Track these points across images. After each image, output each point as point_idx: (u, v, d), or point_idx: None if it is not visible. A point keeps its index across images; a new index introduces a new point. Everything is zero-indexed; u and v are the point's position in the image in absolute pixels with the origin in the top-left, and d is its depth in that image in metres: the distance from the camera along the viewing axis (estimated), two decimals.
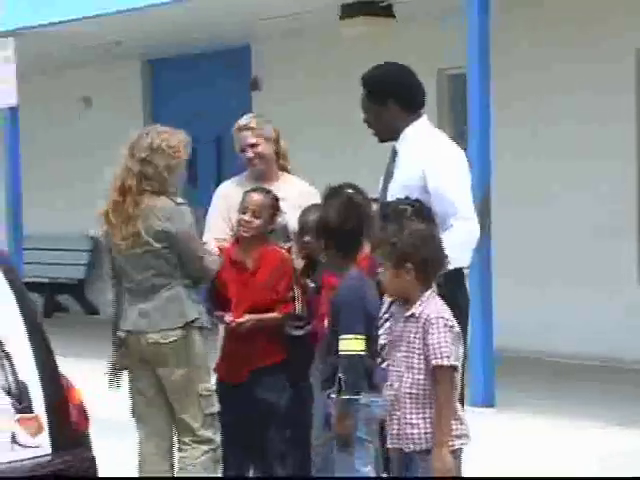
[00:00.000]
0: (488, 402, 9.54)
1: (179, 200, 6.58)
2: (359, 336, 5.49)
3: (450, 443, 5.02)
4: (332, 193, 5.86)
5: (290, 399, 6.74)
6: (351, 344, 5.50)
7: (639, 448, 8.46)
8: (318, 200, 6.82)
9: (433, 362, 4.97)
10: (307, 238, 6.64)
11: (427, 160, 5.86)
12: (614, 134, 11.93)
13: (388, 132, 5.99)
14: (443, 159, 5.93)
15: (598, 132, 11.97)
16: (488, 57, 9.97)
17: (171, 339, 6.52)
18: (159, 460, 6.75)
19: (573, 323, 11.93)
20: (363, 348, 5.49)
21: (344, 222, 5.58)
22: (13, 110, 14.17)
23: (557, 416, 9.43)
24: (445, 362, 4.96)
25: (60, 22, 13.65)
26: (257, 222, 6.71)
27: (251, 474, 6.94)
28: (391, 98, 6.00)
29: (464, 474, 5.30)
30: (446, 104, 12.90)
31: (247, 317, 6.67)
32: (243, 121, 7.19)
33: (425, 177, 5.79)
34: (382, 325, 5.54)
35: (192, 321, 6.54)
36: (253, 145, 7.12)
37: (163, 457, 6.75)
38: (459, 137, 6.32)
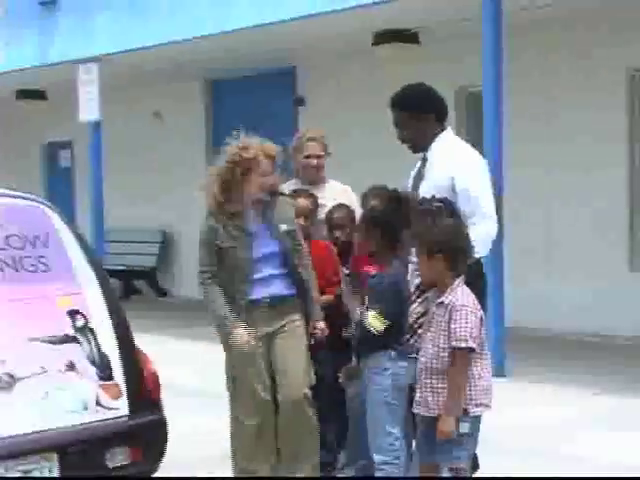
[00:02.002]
0: (499, 373, 9.48)
1: None
2: (383, 319, 5.46)
3: (471, 409, 5.04)
4: (378, 192, 5.85)
5: (333, 368, 6.69)
6: (374, 321, 5.47)
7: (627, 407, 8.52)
8: (351, 196, 6.85)
9: (453, 344, 4.98)
10: (338, 233, 6.66)
11: (456, 165, 5.85)
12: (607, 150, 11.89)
13: (424, 143, 5.96)
14: (470, 165, 5.92)
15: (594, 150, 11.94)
16: (501, 77, 9.91)
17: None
18: None
19: (574, 304, 11.88)
20: (380, 329, 5.47)
21: (393, 216, 5.52)
22: (96, 123, 14.21)
23: (560, 384, 9.39)
24: (462, 344, 4.96)
25: (136, 49, 13.71)
26: (304, 223, 6.71)
27: None
28: (431, 113, 5.99)
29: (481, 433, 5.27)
30: (464, 118, 12.83)
31: None
32: (313, 134, 7.19)
33: (454, 180, 5.77)
34: (410, 306, 5.53)
35: None
36: (319, 156, 7.15)
37: None
38: (475, 147, 6.28)
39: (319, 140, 7.17)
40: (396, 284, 5.48)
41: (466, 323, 4.98)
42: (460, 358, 4.98)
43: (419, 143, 5.97)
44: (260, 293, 6.20)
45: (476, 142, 6.53)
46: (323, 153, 7.15)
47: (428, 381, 5.08)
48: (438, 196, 5.54)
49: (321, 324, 6.30)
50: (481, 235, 5.72)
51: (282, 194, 6.31)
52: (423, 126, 5.94)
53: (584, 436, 7.67)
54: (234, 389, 6.31)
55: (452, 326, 4.98)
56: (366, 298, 5.69)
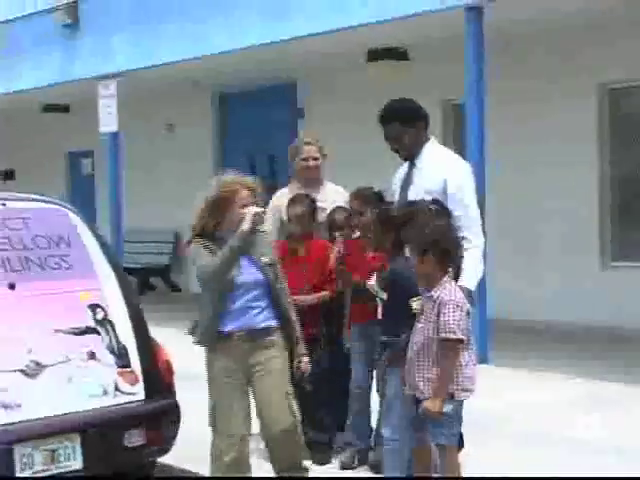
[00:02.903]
0: (483, 360, 9.49)
1: None
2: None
3: (457, 394, 5.08)
4: (363, 192, 6.00)
5: (330, 357, 6.70)
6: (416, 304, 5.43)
7: (605, 391, 8.54)
8: (345, 197, 6.84)
9: (443, 335, 4.98)
10: (337, 233, 6.67)
11: (448, 170, 5.80)
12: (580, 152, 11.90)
13: (414, 150, 5.91)
14: (460, 170, 5.89)
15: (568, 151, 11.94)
16: (483, 90, 9.93)
17: None
18: None
19: (553, 296, 11.89)
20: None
21: (407, 219, 5.49)
22: (114, 134, 14.22)
23: (540, 370, 9.41)
24: (451, 336, 4.97)
25: (151, 66, 13.72)
26: (300, 227, 6.76)
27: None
28: (420, 122, 5.96)
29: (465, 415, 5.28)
30: (450, 128, 12.84)
31: (306, 297, 6.65)
32: (309, 138, 7.22)
33: (446, 182, 5.71)
34: None
35: None
36: (316, 158, 7.13)
37: None
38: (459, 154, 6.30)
39: (314, 143, 7.15)
40: (410, 270, 5.41)
41: (454, 316, 4.98)
42: (450, 348, 4.99)
43: (410, 150, 5.94)
44: (237, 323, 5.62)
45: (459, 151, 6.49)
46: (319, 155, 7.11)
47: (419, 368, 5.07)
48: (427, 198, 5.54)
49: (305, 360, 5.80)
50: (471, 266, 5.59)
51: (262, 231, 5.76)
52: (415, 134, 5.93)
53: (561, 417, 7.69)
54: (214, 420, 5.74)
55: (442, 319, 4.98)
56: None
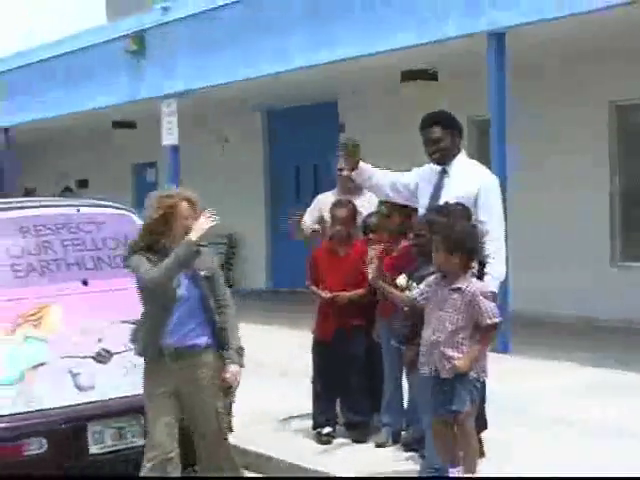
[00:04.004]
0: (505, 350, 9.45)
1: None
2: None
3: (481, 375, 5.12)
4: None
5: (365, 351, 6.70)
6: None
7: (613, 378, 8.43)
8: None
9: (488, 321, 4.98)
10: (371, 235, 6.63)
11: (478, 180, 5.77)
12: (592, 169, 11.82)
13: (449, 156, 5.86)
14: (492, 181, 5.87)
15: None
16: (504, 107, 9.89)
17: None
18: None
19: (566, 292, 11.80)
20: None
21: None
22: (175, 147, 14.30)
23: (557, 359, 9.34)
24: (496, 320, 5.00)
25: (208, 87, 13.79)
26: (343, 228, 6.72)
27: (337, 405, 6.87)
28: (457, 130, 5.93)
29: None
30: (474, 142, 12.77)
31: (345, 294, 6.60)
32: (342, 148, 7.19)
33: (476, 192, 5.67)
34: None
35: None
36: (341, 170, 7.09)
37: None
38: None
39: (342, 156, 7.09)
40: None
41: (491, 304, 5.02)
42: (491, 331, 5.04)
43: (447, 155, 5.89)
44: (170, 340, 5.10)
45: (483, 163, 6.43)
46: (345, 167, 7.08)
47: (446, 351, 5.00)
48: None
49: (233, 368, 5.19)
50: (495, 270, 5.61)
51: (204, 245, 5.21)
52: (452, 140, 5.88)
53: (575, 402, 7.61)
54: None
55: (482, 308, 4.97)
56: None
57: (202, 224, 5.07)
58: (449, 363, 4.99)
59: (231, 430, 5.51)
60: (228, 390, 5.26)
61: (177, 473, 5.12)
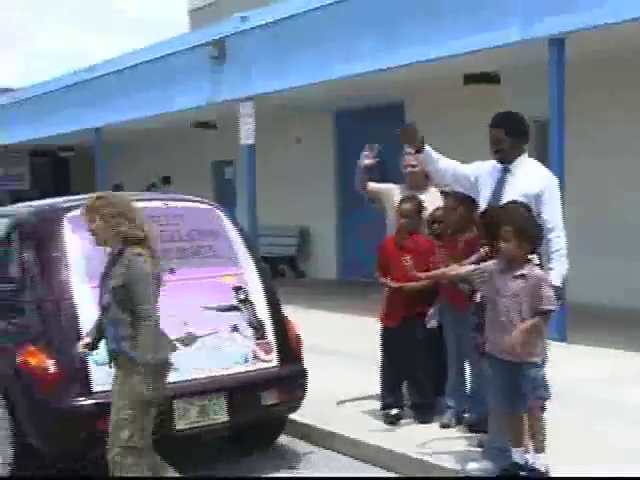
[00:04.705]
0: (562, 338, 9.34)
1: None
2: None
3: (545, 360, 5.18)
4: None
5: (429, 337, 6.67)
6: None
7: None
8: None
9: (545, 307, 5.01)
10: (435, 226, 6.63)
11: (540, 178, 5.72)
12: None
13: (510, 157, 5.80)
14: (553, 181, 5.80)
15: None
16: (563, 107, 9.77)
17: None
18: None
19: (621, 282, 11.61)
20: None
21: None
22: (251, 146, 14.39)
23: (612, 347, 9.21)
24: (553, 307, 5.06)
25: (282, 90, 13.84)
26: (409, 221, 6.70)
27: (404, 387, 6.87)
28: (520, 134, 5.86)
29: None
30: (533, 142, 12.60)
31: (410, 284, 6.53)
32: (408, 149, 7.16)
33: (538, 189, 5.62)
34: None
35: None
36: (413, 165, 7.09)
37: None
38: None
39: (412, 153, 7.05)
40: None
41: (550, 291, 5.06)
42: (548, 318, 5.10)
43: (508, 156, 5.83)
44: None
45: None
46: (416, 163, 6.97)
47: (510, 336, 4.99)
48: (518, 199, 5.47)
49: (140, 386, 4.80)
50: (558, 265, 5.57)
51: (120, 253, 4.88)
52: (513, 143, 5.80)
53: (630, 389, 7.50)
54: None
55: (543, 294, 5.02)
56: None
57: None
58: (514, 348, 4.99)
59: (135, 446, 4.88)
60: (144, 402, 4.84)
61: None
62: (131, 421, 4.82)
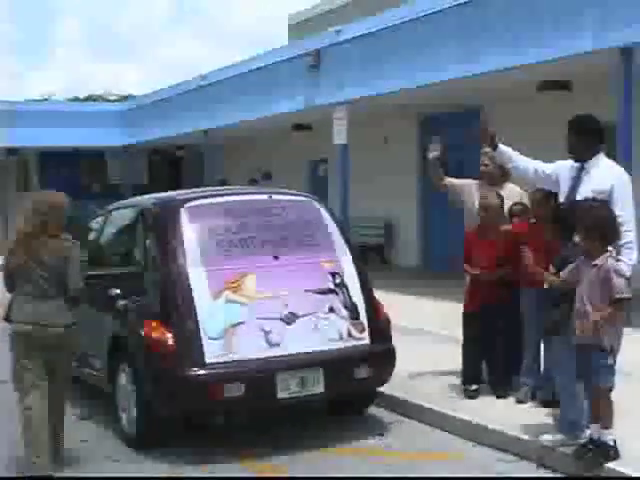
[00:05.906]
0: (627, 323, 9.02)
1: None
2: None
3: (617, 348, 5.05)
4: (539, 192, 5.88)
5: (507, 321, 6.56)
6: None
7: None
8: (522, 195, 6.66)
9: (617, 295, 4.89)
10: (515, 219, 6.52)
11: (614, 176, 5.57)
12: None
13: (584, 157, 5.64)
14: (625, 178, 5.64)
15: None
16: (630, 115, 9.48)
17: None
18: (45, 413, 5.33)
19: None
20: None
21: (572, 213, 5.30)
22: (344, 146, 14.37)
23: None
24: (625, 295, 4.91)
25: (372, 95, 13.79)
26: (491, 214, 6.59)
27: (483, 367, 6.78)
28: (592, 136, 5.70)
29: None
30: None
31: (492, 273, 6.49)
32: (483, 150, 7.05)
33: (612, 187, 5.47)
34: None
35: None
36: (486, 165, 6.98)
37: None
38: None
39: (485, 154, 6.86)
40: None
41: (620, 280, 4.93)
42: (621, 303, 4.94)
43: (581, 156, 5.66)
44: None
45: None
46: (488, 162, 6.88)
47: (587, 322, 4.91)
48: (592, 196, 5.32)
49: None
50: (628, 257, 5.36)
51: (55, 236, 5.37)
52: (586, 145, 5.64)
53: None
54: None
55: (614, 283, 4.89)
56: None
57: None
58: (585, 332, 4.90)
59: None
60: None
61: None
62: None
